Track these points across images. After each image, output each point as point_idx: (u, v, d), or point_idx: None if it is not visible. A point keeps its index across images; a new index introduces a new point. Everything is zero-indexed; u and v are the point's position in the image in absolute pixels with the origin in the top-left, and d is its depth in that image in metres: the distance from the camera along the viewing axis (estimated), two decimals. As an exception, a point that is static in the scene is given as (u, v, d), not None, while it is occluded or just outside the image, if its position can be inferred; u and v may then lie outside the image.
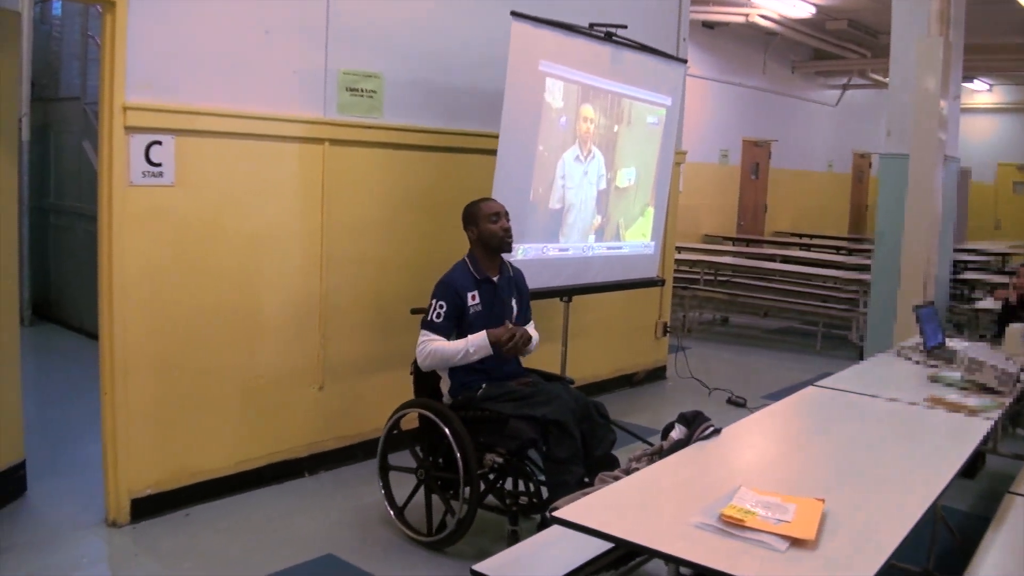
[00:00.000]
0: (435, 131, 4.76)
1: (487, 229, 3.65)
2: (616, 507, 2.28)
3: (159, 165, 3.67)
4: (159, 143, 3.66)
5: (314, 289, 4.34)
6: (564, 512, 2.29)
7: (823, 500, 2.27)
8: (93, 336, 6.49)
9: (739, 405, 6.14)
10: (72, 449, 4.67)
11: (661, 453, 2.96)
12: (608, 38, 4.83)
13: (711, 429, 2.88)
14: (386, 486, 3.83)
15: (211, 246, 3.92)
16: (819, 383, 3.71)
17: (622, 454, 3.58)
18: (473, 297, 3.61)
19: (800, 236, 13.39)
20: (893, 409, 3.32)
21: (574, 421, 3.41)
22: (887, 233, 6.17)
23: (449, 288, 3.58)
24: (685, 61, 5.72)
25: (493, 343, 3.53)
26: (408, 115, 4.63)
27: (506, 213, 3.72)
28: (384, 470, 3.82)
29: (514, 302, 3.79)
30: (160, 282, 3.75)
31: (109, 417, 3.71)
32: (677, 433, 2.99)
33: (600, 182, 4.99)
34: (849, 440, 2.94)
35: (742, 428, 3.06)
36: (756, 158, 13.30)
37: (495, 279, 3.71)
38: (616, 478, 2.97)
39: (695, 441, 2.85)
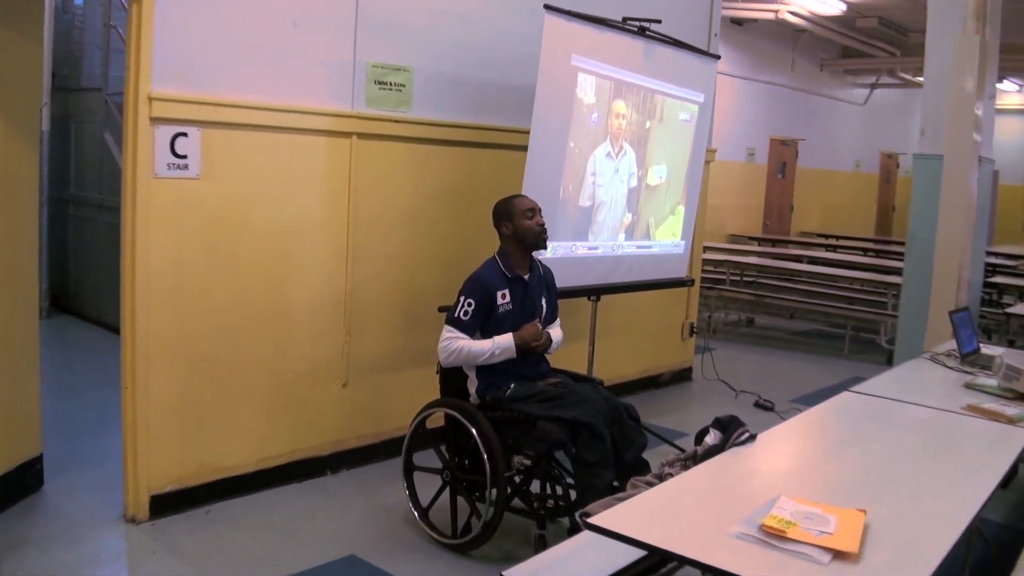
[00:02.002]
0: (464, 126, 4.74)
1: (523, 225, 3.62)
2: (652, 514, 2.24)
3: (184, 157, 3.66)
4: (184, 135, 3.65)
5: (340, 284, 4.33)
6: (599, 519, 2.25)
7: (864, 511, 2.22)
8: (112, 329, 6.60)
9: (767, 409, 6.11)
10: (90, 443, 4.66)
11: (695, 458, 2.93)
12: (641, 32, 4.80)
13: (746, 435, 2.84)
14: (410, 487, 3.81)
15: (236, 240, 3.91)
16: (853, 388, 3.65)
17: (650, 457, 3.56)
18: (503, 296, 3.59)
19: (826, 237, 13.31)
20: (930, 417, 3.26)
21: (604, 423, 3.39)
22: (919, 235, 6.09)
23: (480, 286, 3.56)
24: (718, 57, 5.68)
25: (519, 344, 3.53)
26: (437, 109, 4.61)
27: (540, 209, 3.69)
28: (409, 470, 3.81)
29: (543, 300, 3.77)
30: (184, 275, 3.75)
31: (130, 411, 3.70)
32: (712, 438, 2.95)
33: (631, 180, 4.97)
34: (887, 448, 2.89)
35: (777, 434, 3.01)
36: (783, 157, 13.21)
37: (526, 277, 3.69)
38: (649, 484, 2.94)
39: (730, 447, 2.81)
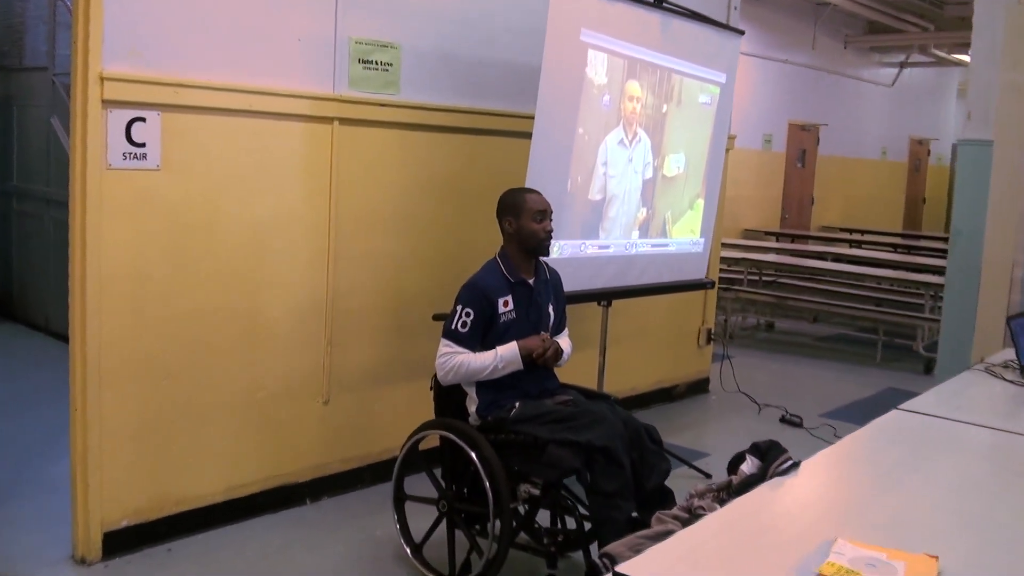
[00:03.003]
0: (460, 110, 4.71)
1: (528, 227, 3.56)
2: (689, 561, 2.12)
3: (142, 145, 3.61)
4: (142, 120, 3.59)
5: (320, 289, 4.29)
6: (628, 568, 2.13)
7: (936, 557, 2.11)
8: (61, 337, 6.51)
9: (795, 424, 6.09)
10: (34, 470, 4.58)
11: (729, 490, 2.87)
12: (658, 4, 4.75)
13: (789, 463, 2.73)
14: (401, 518, 3.75)
15: (202, 239, 3.86)
16: (903, 406, 3.53)
17: (670, 482, 3.50)
18: (505, 303, 3.52)
19: (850, 231, 13.37)
20: (997, 440, 3.15)
21: (623, 448, 3.30)
22: (965, 231, 5.98)
23: (478, 293, 3.48)
24: (742, 33, 5.63)
25: (525, 356, 3.46)
26: (429, 91, 4.58)
27: (551, 212, 3.63)
28: (399, 500, 3.75)
29: (551, 308, 3.70)
30: (143, 279, 3.69)
31: (80, 434, 3.63)
32: (749, 466, 2.90)
33: (646, 170, 4.93)
34: (953, 478, 2.78)
35: (823, 461, 2.88)
36: (803, 144, 13.22)
37: (531, 282, 3.62)
38: (677, 518, 2.85)
39: (771, 477, 2.70)
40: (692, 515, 2.78)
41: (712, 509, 2.75)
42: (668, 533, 2.68)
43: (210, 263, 3.89)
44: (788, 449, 2.87)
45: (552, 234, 3.61)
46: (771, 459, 2.80)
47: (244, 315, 4.04)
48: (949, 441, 3.15)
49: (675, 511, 2.91)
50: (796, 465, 2.72)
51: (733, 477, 2.89)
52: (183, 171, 3.76)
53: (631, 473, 3.29)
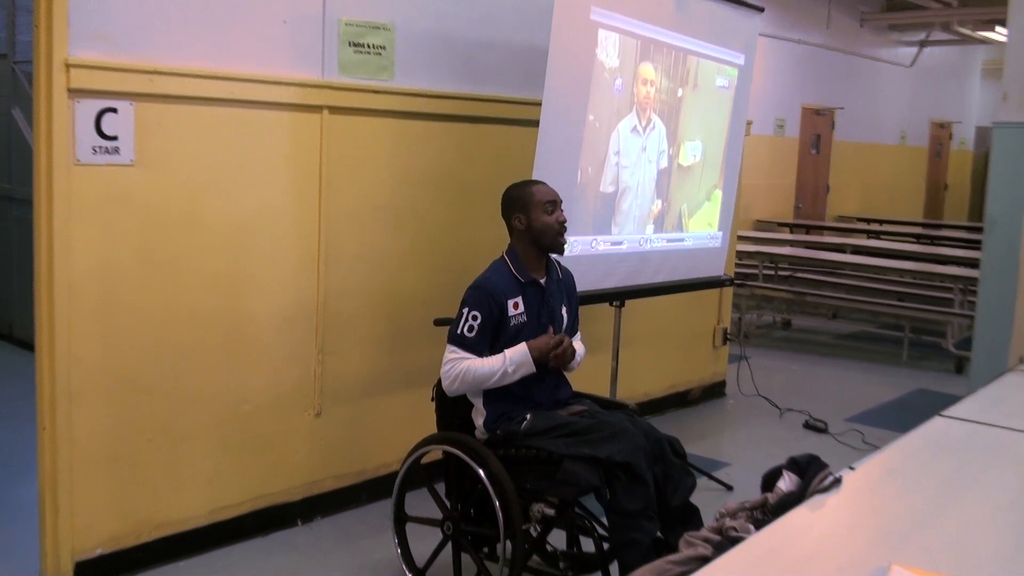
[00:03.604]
0: (460, 97, 4.68)
1: (541, 221, 3.51)
2: (731, 592, 2.05)
3: (114, 139, 3.57)
4: (113, 111, 3.55)
5: (310, 292, 4.27)
6: (661, 599, 2.05)
7: (1006, 584, 2.05)
8: (27, 346, 6.40)
9: (819, 430, 6.05)
10: (3, 491, 4.53)
11: (764, 509, 2.74)
12: (671, -20, 4.73)
13: (831, 478, 2.64)
14: (402, 541, 3.71)
15: (181, 240, 3.82)
16: (947, 413, 3.43)
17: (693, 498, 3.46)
18: (516, 305, 3.47)
19: (868, 221, 13.34)
20: (1057, 450, 3.06)
21: (646, 463, 3.25)
22: (1001, 220, 5.89)
23: (486, 295, 3.43)
24: (761, 9, 5.63)
25: (536, 357, 3.41)
26: (427, 77, 4.56)
27: (561, 202, 3.59)
28: (400, 521, 3.71)
29: (563, 310, 3.66)
30: (117, 285, 3.65)
31: (49, 455, 3.59)
32: (787, 483, 2.76)
33: (661, 159, 4.92)
34: (1013, 493, 2.68)
35: (866, 476, 2.80)
36: (817, 129, 13.17)
37: (542, 282, 3.57)
38: (708, 541, 2.75)
39: (811, 495, 2.61)
40: (724, 537, 2.67)
41: (746, 531, 2.67)
42: (700, 559, 2.62)
43: (190, 266, 3.86)
44: (828, 463, 2.79)
45: (565, 227, 3.57)
46: (811, 475, 2.69)
47: (227, 321, 4.00)
48: (1003, 451, 3.05)
49: (705, 533, 2.79)
50: (838, 482, 2.64)
51: (768, 495, 2.75)
52: (159, 166, 3.71)
53: (654, 490, 3.25)
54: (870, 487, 2.73)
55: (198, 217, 3.85)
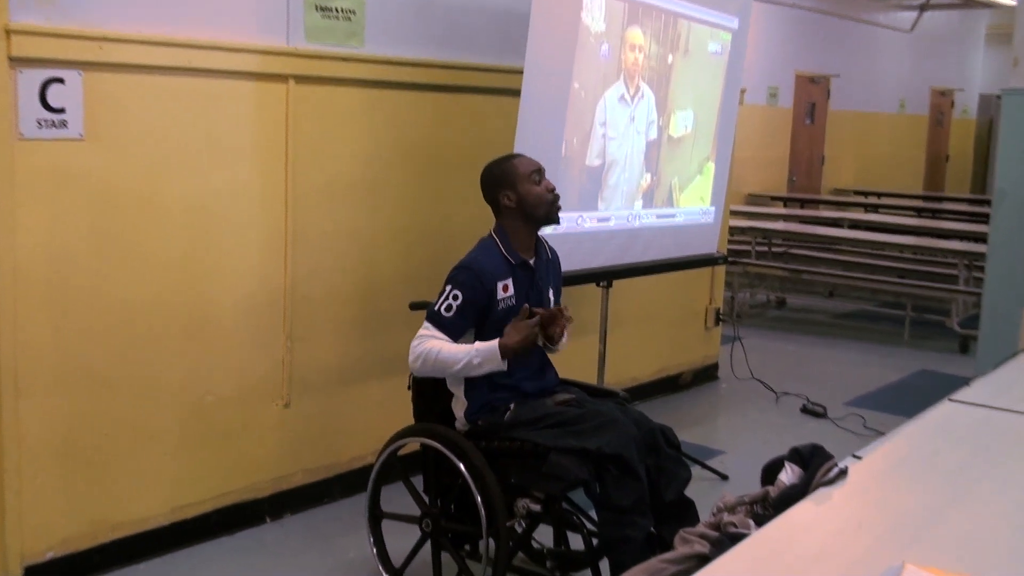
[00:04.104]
0: (436, 65, 4.66)
1: (532, 192, 3.47)
2: (734, 595, 2.03)
3: (61, 111, 3.53)
4: (59, 81, 3.51)
5: (277, 275, 4.24)
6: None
7: (1028, 583, 2.04)
8: None
9: (818, 415, 6.06)
10: None
11: (765, 503, 2.71)
12: (660, -63, 4.75)
13: (836, 470, 2.62)
14: (378, 540, 3.70)
15: (136, 221, 3.78)
16: (957, 398, 3.41)
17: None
18: (505, 288, 3.44)
19: (866, 194, 13.39)
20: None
21: (638, 455, 3.22)
22: (1011, 191, 5.93)
23: (472, 275, 3.39)
24: None
25: (506, 353, 3.32)
26: (400, 43, 4.54)
27: (545, 171, 3.57)
28: (376, 519, 3.69)
29: (551, 292, 3.65)
30: (65, 270, 3.62)
31: None
32: (789, 476, 2.74)
33: (650, 130, 4.92)
34: (1030, 484, 2.68)
35: (872, 467, 2.77)
36: (812, 97, 13.18)
37: (532, 262, 3.55)
38: (705, 538, 2.72)
39: (816, 488, 2.59)
40: (723, 534, 2.64)
41: (746, 527, 2.64)
42: (698, 557, 2.60)
43: (147, 248, 3.82)
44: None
45: (556, 192, 3.54)
46: (815, 467, 2.66)
47: (188, 308, 3.98)
48: (1018, 439, 3.04)
49: (702, 529, 2.77)
50: (843, 473, 2.62)
51: (770, 488, 2.72)
52: (111, 141, 3.67)
53: (647, 483, 3.22)
54: (878, 479, 2.71)
55: (155, 195, 3.81)
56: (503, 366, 3.34)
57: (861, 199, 13.01)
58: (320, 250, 4.36)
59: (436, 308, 3.37)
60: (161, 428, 3.94)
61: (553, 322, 3.34)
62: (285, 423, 4.33)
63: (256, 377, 4.21)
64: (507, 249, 3.48)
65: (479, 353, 3.32)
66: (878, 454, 2.88)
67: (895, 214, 11.59)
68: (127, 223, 3.74)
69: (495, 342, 3.34)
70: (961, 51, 16.24)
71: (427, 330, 3.37)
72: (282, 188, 4.19)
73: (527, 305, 3.37)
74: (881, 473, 2.75)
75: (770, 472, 2.81)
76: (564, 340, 3.55)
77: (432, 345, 3.33)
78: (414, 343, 3.37)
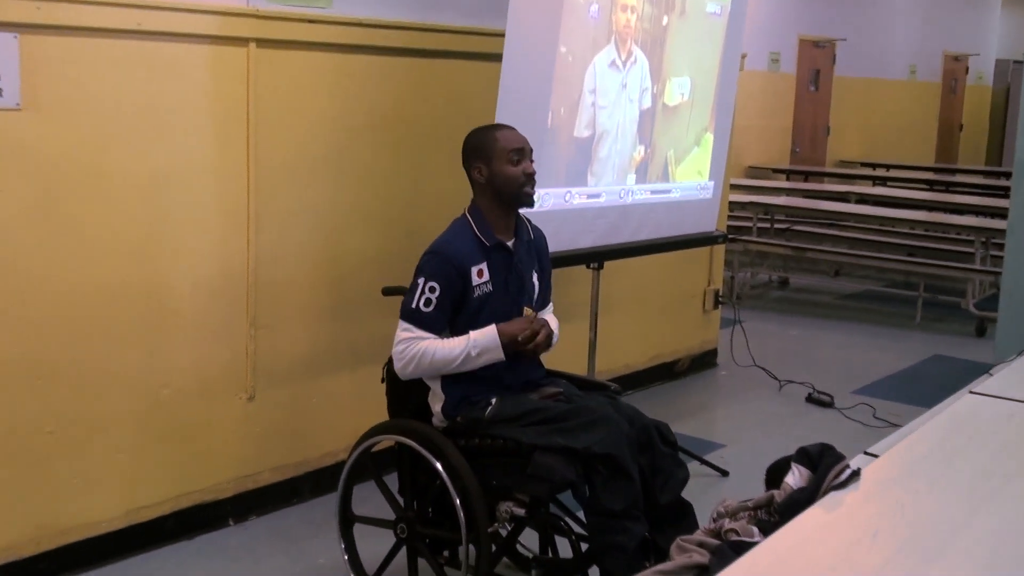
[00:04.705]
0: (411, 27, 4.66)
1: (504, 172, 3.44)
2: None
3: None
4: None
5: (238, 257, 4.24)
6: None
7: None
8: None
9: (824, 404, 6.07)
10: None
11: (770, 508, 2.72)
12: None
13: (848, 472, 2.60)
14: (350, 545, 3.69)
15: (82, 199, 3.76)
16: (978, 390, 3.39)
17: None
18: (480, 273, 3.42)
19: (873, 167, 13.49)
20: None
21: (631, 454, 3.21)
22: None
23: (443, 261, 3.38)
24: None
25: (506, 344, 3.36)
26: (371, 3, 4.54)
27: (531, 151, 3.52)
28: (347, 522, 3.68)
29: (534, 276, 3.62)
30: (5, 252, 3.61)
31: None
32: (795, 479, 2.73)
33: (643, 98, 4.90)
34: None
35: (888, 467, 2.75)
36: (816, 63, 13.25)
37: (509, 244, 3.52)
38: (704, 546, 2.74)
39: (826, 492, 2.57)
40: (724, 542, 2.64)
41: (749, 534, 2.65)
42: (697, 569, 2.63)
43: (93, 229, 3.80)
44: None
45: (534, 179, 3.51)
46: (824, 468, 2.66)
47: (140, 293, 3.96)
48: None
49: (700, 536, 2.77)
50: (856, 475, 2.61)
51: (775, 492, 2.73)
52: (53, 111, 3.65)
53: (641, 485, 3.21)
54: (894, 481, 2.69)
55: (102, 171, 3.79)
56: (502, 356, 3.35)
57: (869, 171, 13.11)
58: (285, 230, 4.35)
59: (414, 305, 3.36)
60: (113, 424, 3.92)
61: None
62: (249, 417, 4.33)
63: (217, 368, 4.21)
64: (481, 230, 3.45)
65: (476, 344, 3.34)
66: (894, 453, 2.87)
67: (905, 187, 11.66)
68: (71, 201, 3.72)
69: (491, 329, 3.36)
70: (976, 13, 16.33)
71: (409, 331, 3.35)
72: (243, 163, 4.17)
73: (529, 309, 3.47)
74: (898, 474, 2.73)
75: (775, 474, 2.83)
76: (553, 343, 3.57)
77: (421, 347, 3.34)
78: (399, 348, 3.36)
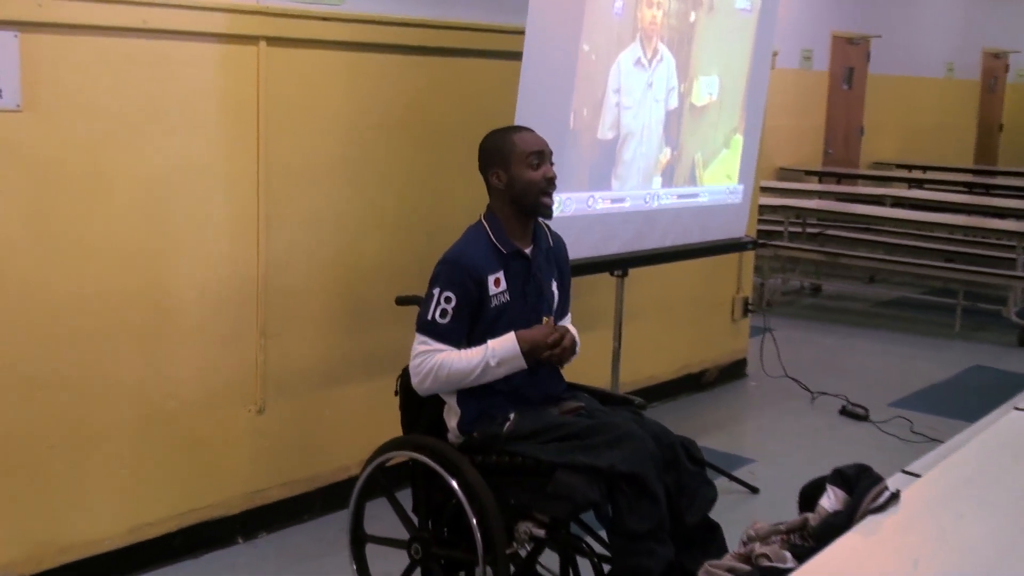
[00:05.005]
0: (428, 24, 4.66)
1: (523, 177, 3.40)
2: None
3: None
4: None
5: (248, 263, 4.24)
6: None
7: None
8: None
9: (859, 418, 6.04)
10: None
11: (804, 532, 2.69)
12: None
13: (886, 494, 2.57)
14: (361, 566, 3.65)
15: (84, 202, 3.76)
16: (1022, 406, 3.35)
17: None
18: (497, 282, 3.38)
19: (910, 168, 13.43)
20: None
21: (655, 473, 3.16)
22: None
23: (460, 271, 3.34)
24: None
25: (527, 352, 3.32)
26: (385, 0, 4.54)
27: (551, 154, 3.48)
28: (358, 542, 3.64)
29: (553, 285, 3.59)
30: (8, 257, 3.61)
31: None
32: (831, 501, 2.70)
33: (670, 98, 4.88)
34: None
35: (931, 490, 2.72)
36: (850, 60, 13.20)
37: (528, 251, 3.49)
38: (734, 572, 2.73)
39: (863, 516, 2.54)
40: (754, 567, 2.62)
41: (782, 560, 2.61)
42: None
43: (96, 233, 3.80)
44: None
45: (554, 183, 3.48)
46: (861, 491, 2.64)
47: (145, 301, 3.96)
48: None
49: (730, 561, 2.74)
50: (895, 497, 2.58)
51: (809, 515, 2.69)
52: (55, 112, 3.65)
53: (667, 506, 3.17)
54: (936, 503, 2.65)
55: (106, 174, 3.78)
56: (523, 364, 3.32)
57: (905, 173, 13.07)
58: (296, 234, 4.35)
59: (429, 317, 3.34)
60: (116, 438, 3.91)
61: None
62: (258, 430, 4.32)
63: (225, 378, 4.20)
64: (498, 237, 3.43)
65: (495, 353, 3.31)
66: (935, 473, 2.83)
67: (943, 190, 11.64)
68: (73, 205, 3.71)
69: (510, 336, 3.33)
70: (1017, 8, 16.24)
71: (425, 344, 3.34)
72: (253, 165, 4.16)
73: (548, 318, 3.42)
74: (940, 496, 2.69)
75: (809, 496, 2.78)
76: (576, 352, 3.57)
77: (439, 360, 3.32)
78: (415, 362, 3.35)
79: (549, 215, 3.49)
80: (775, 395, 6.44)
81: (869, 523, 2.44)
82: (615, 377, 4.87)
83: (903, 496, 2.56)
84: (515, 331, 3.34)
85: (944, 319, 8.61)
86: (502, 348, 3.31)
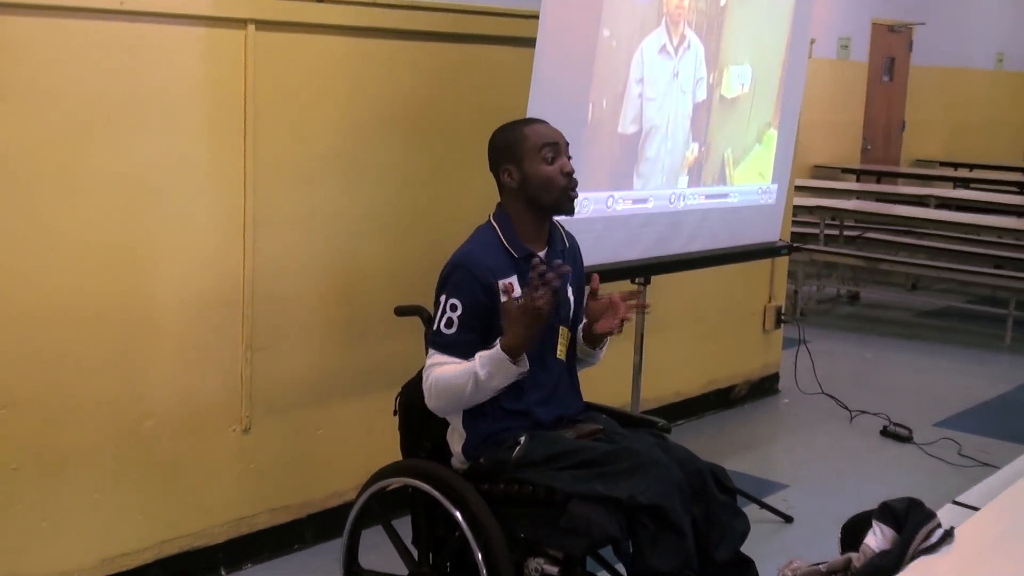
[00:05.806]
0: (431, 7, 4.67)
1: (539, 172, 3.36)
2: None
3: None
4: None
5: (234, 269, 4.23)
6: None
7: None
8: None
9: (902, 439, 6.02)
10: None
11: (847, 573, 2.76)
12: None
13: (939, 532, 2.62)
14: None
15: (53, 202, 3.74)
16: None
17: None
18: (509, 287, 3.33)
19: (955, 167, 13.47)
20: None
21: (681, 504, 3.10)
22: None
23: (467, 275, 3.30)
24: None
25: (510, 347, 3.16)
26: None
27: (567, 145, 3.44)
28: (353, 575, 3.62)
29: (570, 291, 3.55)
30: None
31: None
32: (878, 540, 2.74)
33: (698, 89, 4.89)
34: None
35: (987, 527, 2.76)
36: (891, 51, 13.26)
37: (542, 254, 3.45)
38: None
39: (915, 556, 2.59)
40: None
41: None
42: None
43: (66, 236, 3.78)
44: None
45: (573, 178, 3.43)
46: (912, 528, 2.68)
47: (120, 310, 3.94)
48: None
49: None
50: (949, 535, 2.61)
51: (853, 555, 2.75)
52: (18, 103, 3.63)
53: (693, 541, 3.10)
54: (995, 542, 2.69)
55: (79, 169, 3.76)
56: (519, 369, 3.23)
57: (950, 172, 13.13)
58: (288, 238, 4.35)
59: (435, 327, 3.32)
60: (88, 460, 3.90)
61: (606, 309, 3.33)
62: (244, 452, 4.33)
63: (207, 396, 4.19)
64: (509, 239, 3.39)
65: (483, 364, 3.23)
66: (992, 509, 2.86)
67: (991, 190, 11.67)
68: (40, 204, 3.69)
69: (496, 348, 3.24)
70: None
71: (432, 358, 3.33)
72: (239, 161, 4.15)
73: (538, 262, 3.21)
74: (998, 535, 2.72)
75: (853, 532, 2.82)
76: (599, 356, 3.54)
77: (437, 374, 3.29)
78: (425, 382, 3.33)
79: (571, 211, 3.46)
80: (810, 413, 6.44)
81: (921, 564, 2.45)
82: (636, 392, 4.90)
83: (957, 533, 2.58)
84: (499, 339, 3.22)
85: (993, 330, 8.60)
86: (487, 354, 3.23)
